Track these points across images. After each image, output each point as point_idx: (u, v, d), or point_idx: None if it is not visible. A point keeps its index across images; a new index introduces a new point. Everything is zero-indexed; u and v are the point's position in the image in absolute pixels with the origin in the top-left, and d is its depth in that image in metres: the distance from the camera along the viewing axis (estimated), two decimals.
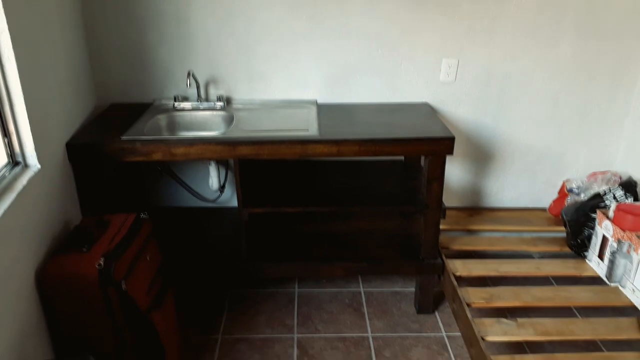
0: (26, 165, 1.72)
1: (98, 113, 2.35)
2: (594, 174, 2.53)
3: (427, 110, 2.41)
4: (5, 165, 1.67)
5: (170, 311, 1.98)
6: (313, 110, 2.37)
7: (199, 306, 2.44)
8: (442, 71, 2.44)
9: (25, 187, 1.62)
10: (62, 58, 2.03)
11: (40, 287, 1.67)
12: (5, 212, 1.49)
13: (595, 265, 2.22)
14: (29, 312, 1.61)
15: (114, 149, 1.99)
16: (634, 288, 2.01)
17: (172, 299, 2.02)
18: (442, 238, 2.42)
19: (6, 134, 1.66)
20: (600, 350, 2.07)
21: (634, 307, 2.00)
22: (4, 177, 1.62)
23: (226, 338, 2.25)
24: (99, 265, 1.61)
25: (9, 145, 1.68)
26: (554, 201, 2.63)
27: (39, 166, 1.73)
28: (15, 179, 1.64)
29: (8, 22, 1.57)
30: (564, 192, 2.57)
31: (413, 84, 2.47)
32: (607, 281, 2.15)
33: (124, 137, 2.02)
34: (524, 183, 2.70)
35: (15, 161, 1.70)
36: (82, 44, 2.27)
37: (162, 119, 2.32)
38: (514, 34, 2.38)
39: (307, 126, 2.17)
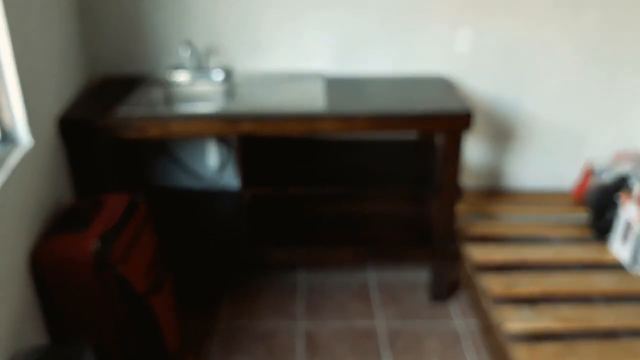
0: (18, 142, 1.75)
1: (91, 87, 2.36)
2: (619, 154, 2.56)
3: (443, 84, 2.42)
4: None
5: (168, 296, 2.03)
6: (320, 84, 2.38)
7: (198, 292, 2.49)
8: (458, 41, 2.45)
9: (17, 165, 1.65)
10: (53, 29, 2.03)
11: (34, 269, 1.70)
12: None
13: (619, 250, 2.27)
14: (23, 295, 1.65)
15: (107, 125, 2.01)
16: None
17: (170, 283, 2.07)
18: (458, 221, 2.45)
19: None
20: (623, 338, 2.13)
21: None
22: None
23: (227, 325, 2.29)
24: (95, 247, 1.65)
25: (0, 122, 1.71)
26: (577, 182, 2.66)
27: (31, 143, 1.76)
28: (6, 156, 1.67)
29: None
30: (587, 173, 2.61)
31: (427, 55, 2.48)
32: (630, 267, 2.20)
33: (118, 112, 2.04)
34: (545, 162, 2.72)
35: (6, 138, 1.73)
36: (74, 14, 2.27)
37: (158, 92, 2.33)
38: (536, 0, 2.39)
39: (314, 101, 2.18)
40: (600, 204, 2.37)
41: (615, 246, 2.30)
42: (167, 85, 2.39)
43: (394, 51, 2.48)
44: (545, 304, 2.02)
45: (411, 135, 2.62)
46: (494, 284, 2.11)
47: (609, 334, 2.08)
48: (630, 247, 2.19)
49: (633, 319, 1.95)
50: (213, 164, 2.53)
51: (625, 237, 2.23)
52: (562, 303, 2.04)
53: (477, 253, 2.28)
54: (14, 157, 1.67)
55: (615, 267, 2.23)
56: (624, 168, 2.44)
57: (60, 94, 2.08)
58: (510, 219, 2.61)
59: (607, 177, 2.47)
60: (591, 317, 1.97)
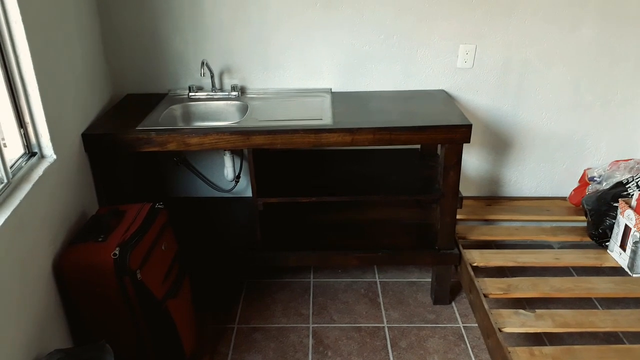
0: (42, 156, 1.73)
1: (114, 104, 2.35)
2: (616, 162, 2.45)
3: (444, 98, 2.35)
4: (22, 156, 1.67)
5: (186, 300, 1.99)
6: (327, 99, 2.33)
7: (215, 295, 2.45)
8: (459, 57, 2.38)
9: (41, 178, 1.62)
10: (77, 48, 2.02)
11: (58, 276, 1.68)
12: (22, 202, 1.50)
13: (617, 255, 2.16)
14: (47, 300, 1.63)
15: (129, 139, 1.99)
16: None
17: (188, 288, 2.03)
18: (459, 228, 2.38)
19: (22, 125, 1.67)
20: (622, 342, 2.02)
21: None
22: (20, 167, 1.62)
23: (242, 327, 2.25)
24: (115, 255, 1.62)
25: (25, 136, 1.69)
26: (575, 190, 2.56)
27: (54, 157, 1.74)
28: (31, 169, 1.65)
29: (22, 13, 1.56)
30: (584, 181, 2.50)
31: (429, 70, 2.42)
32: (629, 272, 2.08)
33: (139, 127, 2.02)
34: (543, 171, 2.63)
35: (31, 152, 1.71)
36: (97, 34, 2.27)
37: (176, 109, 2.31)
38: (533, 17, 2.30)
39: (321, 115, 2.14)
40: (598, 211, 2.26)
41: (613, 251, 2.19)
42: (185, 102, 2.35)
43: (398, 67, 2.42)
44: (544, 307, 1.92)
45: (414, 145, 2.54)
46: (493, 288, 2.02)
47: (608, 338, 1.98)
48: (629, 252, 2.08)
49: (632, 322, 1.85)
50: (229, 175, 2.50)
51: (623, 242, 2.12)
52: (561, 307, 1.94)
53: (478, 258, 2.21)
54: (38, 170, 1.65)
55: (614, 272, 2.11)
56: (621, 176, 2.33)
57: (84, 110, 2.06)
58: (509, 225, 2.52)
59: (604, 184, 2.36)
60: (590, 320, 1.87)
